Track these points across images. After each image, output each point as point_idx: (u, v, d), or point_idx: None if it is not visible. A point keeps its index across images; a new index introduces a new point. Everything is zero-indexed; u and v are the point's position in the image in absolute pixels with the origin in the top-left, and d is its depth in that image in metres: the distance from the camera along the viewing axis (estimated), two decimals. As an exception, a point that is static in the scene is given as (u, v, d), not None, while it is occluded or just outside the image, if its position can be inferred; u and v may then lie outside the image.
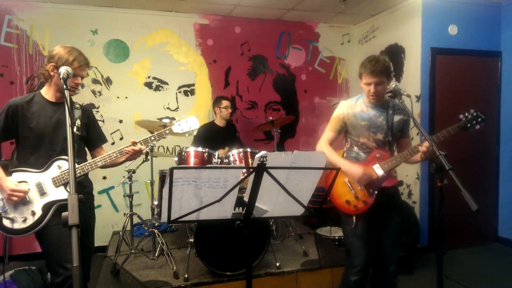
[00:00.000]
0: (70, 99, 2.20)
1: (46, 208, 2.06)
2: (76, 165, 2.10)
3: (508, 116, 4.53)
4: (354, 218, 2.44)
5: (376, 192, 2.39)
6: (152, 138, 2.31)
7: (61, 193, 2.09)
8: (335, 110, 2.58)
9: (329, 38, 5.42)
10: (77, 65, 2.10)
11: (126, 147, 2.22)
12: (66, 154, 2.15)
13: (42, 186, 2.08)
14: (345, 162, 2.45)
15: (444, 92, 4.36)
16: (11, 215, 2.03)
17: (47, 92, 2.21)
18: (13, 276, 3.34)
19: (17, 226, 2.02)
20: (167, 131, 2.34)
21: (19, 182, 2.06)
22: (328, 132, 2.57)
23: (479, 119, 2.26)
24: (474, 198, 1.81)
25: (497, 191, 4.65)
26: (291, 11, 4.83)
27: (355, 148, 2.54)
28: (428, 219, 4.34)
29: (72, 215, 1.28)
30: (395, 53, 4.67)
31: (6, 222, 2.02)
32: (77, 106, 2.29)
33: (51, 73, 2.12)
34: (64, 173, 2.10)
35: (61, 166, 2.12)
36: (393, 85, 2.41)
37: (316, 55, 5.39)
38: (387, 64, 2.38)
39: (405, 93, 2.37)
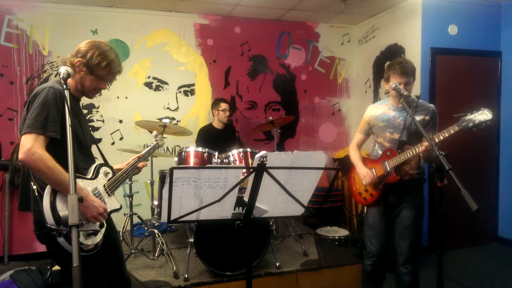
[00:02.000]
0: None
1: (107, 219, 1.89)
2: (111, 172, 2.02)
3: (508, 116, 4.53)
4: (365, 208, 2.83)
5: (380, 186, 2.62)
6: (151, 151, 2.42)
7: (114, 202, 1.96)
8: (365, 112, 2.86)
9: (329, 38, 5.42)
10: (109, 71, 1.90)
11: (136, 162, 2.21)
12: (94, 158, 2.03)
13: (101, 196, 1.88)
14: (358, 163, 2.78)
15: (444, 92, 4.36)
16: (88, 229, 1.75)
17: (69, 86, 1.85)
18: (13, 276, 3.34)
19: (90, 242, 1.74)
20: (157, 146, 2.60)
21: None
22: (357, 134, 2.90)
23: (484, 118, 2.11)
24: (474, 198, 1.81)
25: (497, 191, 4.65)
26: (291, 11, 4.83)
27: (376, 146, 2.77)
28: (428, 219, 4.34)
29: (72, 215, 1.28)
30: (395, 53, 4.67)
31: (81, 238, 1.71)
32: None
33: (77, 69, 1.86)
34: (113, 181, 1.97)
35: (108, 172, 1.98)
36: (393, 85, 2.44)
37: (316, 55, 5.39)
38: (414, 66, 2.57)
39: (405, 93, 2.38)
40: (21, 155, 1.62)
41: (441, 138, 2.26)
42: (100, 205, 1.75)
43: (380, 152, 2.70)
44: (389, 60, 4.76)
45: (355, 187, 2.86)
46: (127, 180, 3.59)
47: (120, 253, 2.16)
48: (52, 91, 1.72)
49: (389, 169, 2.56)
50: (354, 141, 2.89)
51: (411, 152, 2.44)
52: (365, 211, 2.82)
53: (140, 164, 2.24)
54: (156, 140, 2.72)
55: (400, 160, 2.51)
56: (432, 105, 2.62)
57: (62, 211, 1.64)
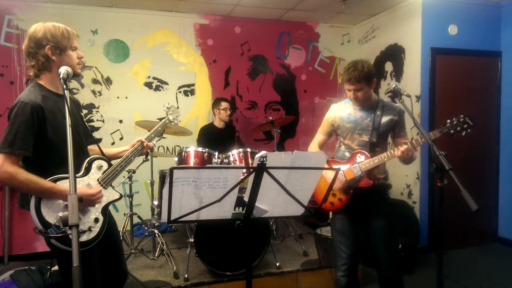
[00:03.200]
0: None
1: (104, 211, 1.93)
2: (106, 164, 2.01)
3: (508, 116, 4.53)
4: (330, 213, 2.60)
5: (351, 191, 2.45)
6: (160, 129, 2.37)
7: (112, 193, 1.98)
8: (327, 112, 2.69)
9: (329, 38, 5.42)
10: (72, 36, 1.88)
11: (138, 146, 2.19)
12: (88, 152, 2.04)
13: None
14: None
15: (444, 92, 4.36)
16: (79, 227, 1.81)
17: (49, 83, 1.87)
18: (13, 276, 3.34)
19: (85, 238, 1.80)
20: (167, 121, 2.47)
21: None
22: (318, 135, 2.72)
23: (465, 125, 2.15)
24: (474, 198, 1.81)
25: (497, 191, 4.64)
26: (291, 11, 4.83)
27: (342, 147, 2.61)
28: (428, 219, 4.34)
29: (72, 215, 1.28)
30: (395, 53, 4.67)
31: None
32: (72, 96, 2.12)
33: (52, 57, 1.81)
34: (108, 173, 1.98)
35: (102, 165, 1.98)
36: (393, 85, 2.43)
37: (316, 55, 5.39)
38: (365, 71, 2.42)
39: (405, 93, 2.38)
40: None
41: (421, 143, 2.26)
42: (90, 194, 1.81)
43: (347, 154, 2.53)
44: (389, 60, 4.79)
45: (320, 190, 2.46)
46: (127, 170, 3.58)
47: (118, 245, 2.18)
48: (22, 106, 1.72)
49: (361, 173, 2.41)
50: (315, 142, 2.69)
51: (386, 155, 2.34)
52: (330, 216, 2.61)
53: (145, 144, 2.22)
54: (169, 114, 2.52)
55: (374, 164, 2.39)
56: (398, 104, 2.50)
57: (48, 216, 1.71)
